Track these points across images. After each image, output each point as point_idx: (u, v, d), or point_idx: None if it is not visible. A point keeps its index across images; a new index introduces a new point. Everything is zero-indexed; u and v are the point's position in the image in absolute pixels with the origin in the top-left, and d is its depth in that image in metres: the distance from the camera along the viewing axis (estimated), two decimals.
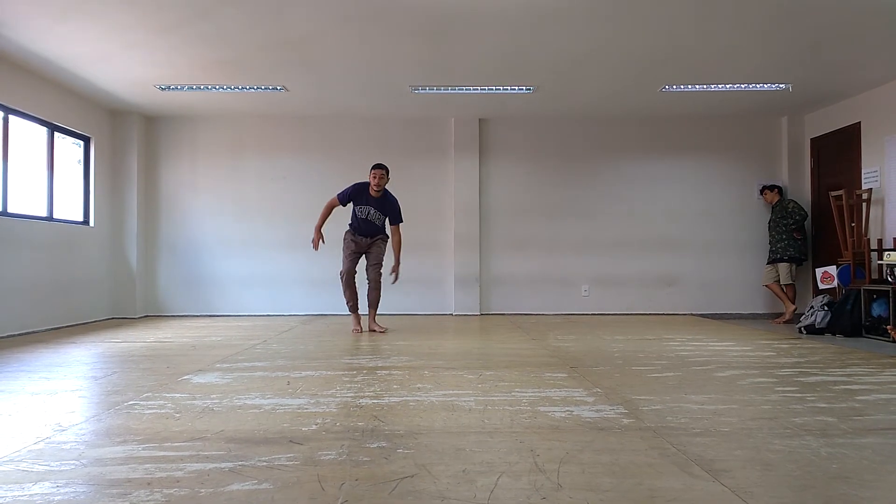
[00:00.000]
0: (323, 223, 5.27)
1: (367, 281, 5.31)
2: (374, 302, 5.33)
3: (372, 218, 5.21)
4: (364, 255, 5.30)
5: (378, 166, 5.19)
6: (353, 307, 5.32)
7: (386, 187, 5.26)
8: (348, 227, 5.29)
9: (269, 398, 2.76)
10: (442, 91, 6.08)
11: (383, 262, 5.30)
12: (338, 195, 5.27)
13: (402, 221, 5.33)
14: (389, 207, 5.25)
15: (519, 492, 1.63)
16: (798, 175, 7.19)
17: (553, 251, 7.28)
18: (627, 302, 7.29)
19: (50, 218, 5.86)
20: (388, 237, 5.33)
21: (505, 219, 7.28)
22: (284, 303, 7.17)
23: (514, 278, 7.27)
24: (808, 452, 1.96)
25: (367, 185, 5.21)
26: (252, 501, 1.57)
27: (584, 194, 7.31)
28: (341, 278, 5.25)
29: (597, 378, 3.23)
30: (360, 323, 5.35)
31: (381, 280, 5.31)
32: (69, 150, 6.38)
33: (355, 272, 5.26)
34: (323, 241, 5.25)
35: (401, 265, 5.34)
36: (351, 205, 5.26)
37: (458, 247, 7.16)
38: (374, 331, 5.31)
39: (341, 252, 5.30)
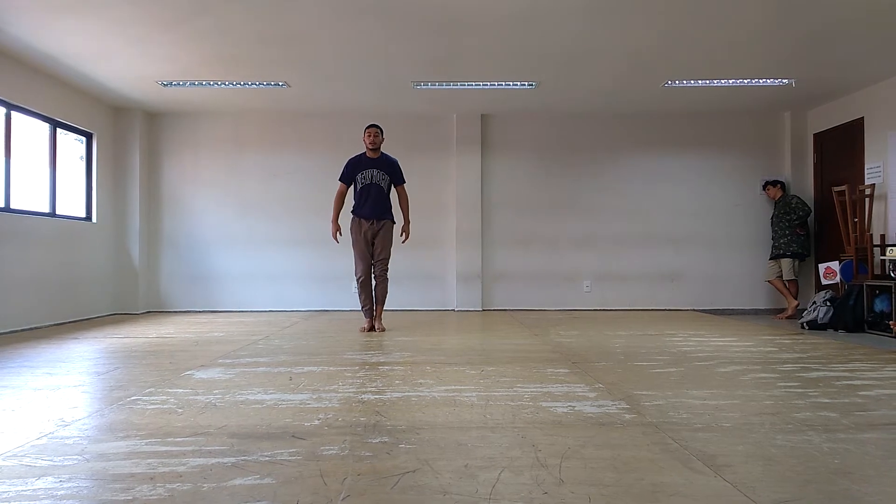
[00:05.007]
0: (338, 214, 5.15)
1: (373, 277, 5.15)
2: (381, 297, 5.18)
3: (376, 180, 5.07)
4: (371, 246, 5.15)
5: (372, 125, 5.13)
6: (369, 310, 5.19)
7: (383, 150, 5.20)
8: (352, 216, 5.13)
9: (271, 394, 2.76)
10: (444, 87, 6.06)
11: (391, 255, 5.20)
12: (339, 179, 5.18)
13: (405, 182, 5.26)
14: (390, 166, 5.15)
15: (521, 487, 1.63)
16: (801, 171, 7.17)
17: (555, 247, 7.28)
18: (629, 298, 7.28)
19: (53, 214, 5.87)
20: (394, 222, 5.21)
21: (507, 214, 7.28)
22: (287, 298, 7.18)
23: (516, 274, 7.27)
24: (810, 448, 1.96)
25: (361, 154, 5.16)
26: (254, 496, 1.58)
27: (586, 190, 7.30)
28: (357, 282, 5.13)
29: (599, 373, 3.23)
30: (372, 325, 5.19)
31: (388, 275, 5.21)
32: (72, 146, 6.39)
33: (371, 274, 5.14)
34: (340, 233, 5.14)
35: (409, 237, 5.27)
36: (354, 187, 5.15)
37: (460, 242, 7.15)
38: (379, 329, 5.19)
39: (352, 250, 5.19)
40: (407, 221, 5.23)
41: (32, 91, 5.53)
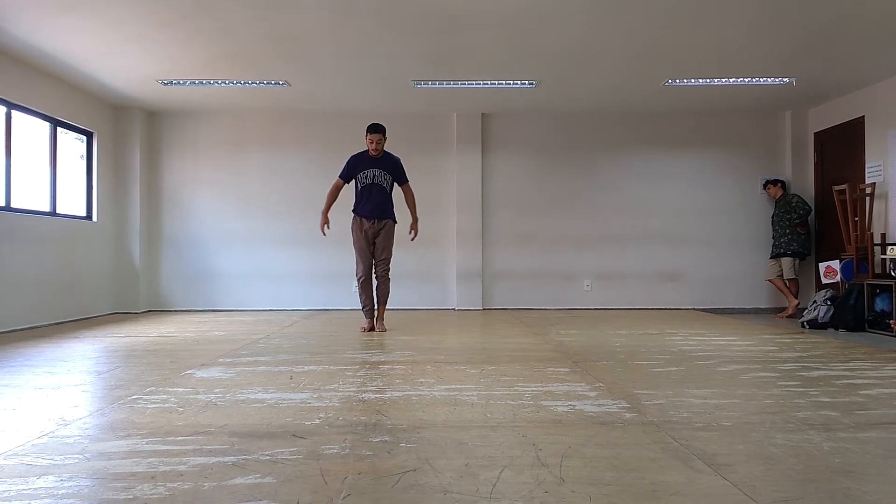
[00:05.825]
0: (329, 207, 5.06)
1: (374, 277, 5.08)
2: (382, 297, 5.11)
3: (378, 179, 4.97)
4: (373, 246, 5.07)
5: (374, 129, 4.94)
6: (369, 310, 5.12)
7: (386, 149, 5.12)
8: (353, 215, 5.06)
9: (272, 393, 2.76)
10: (444, 85, 6.06)
11: (392, 254, 5.13)
12: (339, 175, 5.09)
13: (408, 180, 5.16)
14: (393, 165, 5.05)
15: (521, 486, 1.63)
16: (801, 169, 7.17)
17: (555, 246, 7.28)
18: (630, 297, 7.28)
19: (53, 213, 5.87)
20: (395, 221, 5.14)
21: (507, 213, 7.28)
22: (287, 298, 7.18)
23: (516, 273, 7.27)
24: (810, 447, 1.96)
25: (363, 152, 5.05)
26: (255, 495, 1.58)
27: (586, 189, 7.30)
28: (358, 281, 5.05)
29: (599, 372, 3.23)
30: (372, 325, 5.13)
31: (391, 274, 5.17)
32: (72, 145, 6.39)
33: (372, 274, 5.07)
34: (328, 227, 5.04)
35: (415, 233, 5.16)
36: (355, 185, 5.06)
37: (460, 241, 7.16)
38: (380, 330, 5.13)
39: (353, 248, 5.12)
40: (415, 219, 5.18)
41: (33, 90, 5.53)
